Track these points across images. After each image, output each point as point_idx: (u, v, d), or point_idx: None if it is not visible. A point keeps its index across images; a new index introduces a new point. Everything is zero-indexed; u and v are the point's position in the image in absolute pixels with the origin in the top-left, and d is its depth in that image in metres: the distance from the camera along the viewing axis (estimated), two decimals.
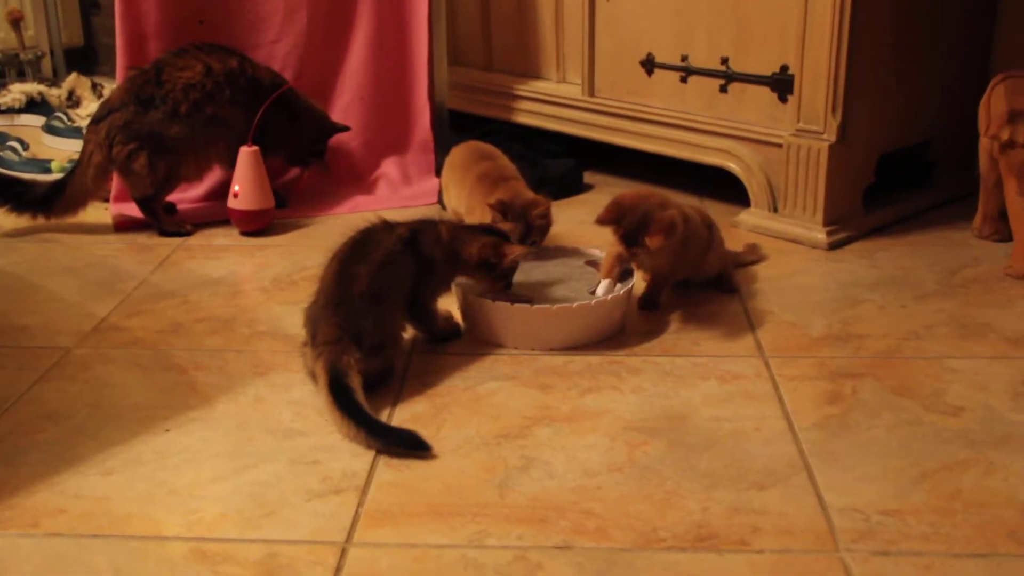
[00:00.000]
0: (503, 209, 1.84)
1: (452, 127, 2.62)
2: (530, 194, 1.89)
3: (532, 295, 1.72)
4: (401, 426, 1.43)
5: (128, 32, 2.35)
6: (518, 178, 1.98)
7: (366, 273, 1.52)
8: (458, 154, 2.10)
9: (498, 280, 1.67)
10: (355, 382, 1.43)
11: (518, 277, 1.76)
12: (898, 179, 2.34)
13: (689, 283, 1.89)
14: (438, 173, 2.41)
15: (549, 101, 2.57)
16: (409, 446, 1.36)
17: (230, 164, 2.27)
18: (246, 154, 2.22)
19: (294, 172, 2.50)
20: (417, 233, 1.61)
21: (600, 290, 1.71)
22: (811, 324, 1.75)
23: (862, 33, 2.03)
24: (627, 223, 1.66)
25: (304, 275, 1.99)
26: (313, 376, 1.50)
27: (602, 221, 1.67)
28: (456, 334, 1.70)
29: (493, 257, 1.63)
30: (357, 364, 1.45)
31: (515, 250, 1.65)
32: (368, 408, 1.41)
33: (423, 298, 1.63)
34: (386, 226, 1.61)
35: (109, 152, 2.19)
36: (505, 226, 1.74)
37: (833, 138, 2.07)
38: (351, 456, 1.37)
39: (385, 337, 1.53)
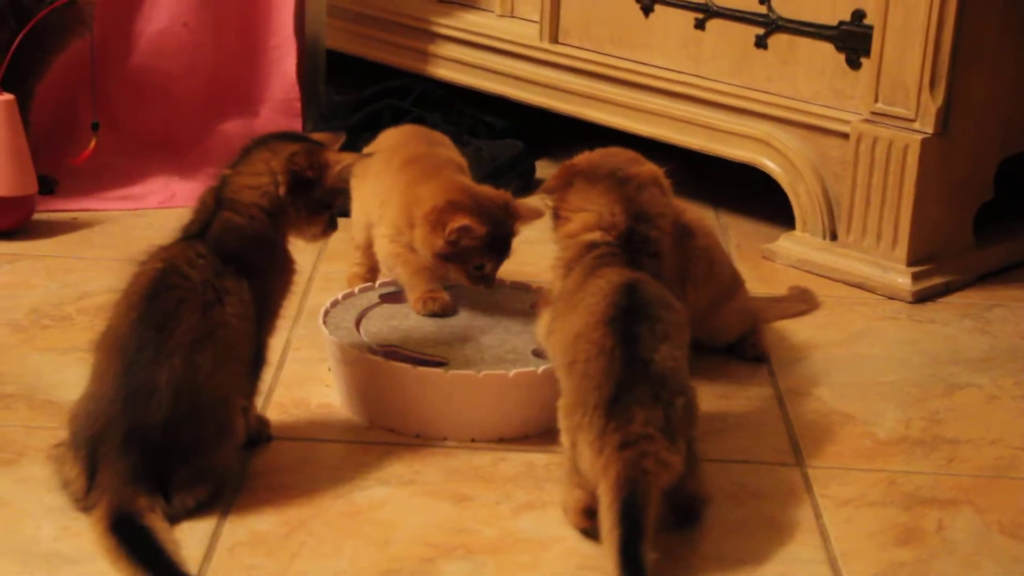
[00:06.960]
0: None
1: (331, 81, 2.70)
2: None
3: (447, 354, 1.79)
4: (233, 550, 1.49)
5: None
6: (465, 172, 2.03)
7: (168, 382, 1.52)
8: (394, 137, 2.12)
9: (319, 213, 1.66)
10: (154, 521, 1.49)
11: (429, 325, 1.83)
12: None
13: (699, 347, 1.97)
14: None
15: (488, 47, 2.66)
16: None
17: None
18: None
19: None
20: (224, 235, 1.60)
21: None
22: (879, 419, 1.84)
23: None
24: None
25: (84, 305, 2.03)
26: (77, 501, 1.54)
27: (549, 189, 1.77)
28: (263, 438, 1.72)
29: (309, 169, 1.63)
30: (163, 509, 1.52)
31: (342, 158, 1.66)
32: (173, 554, 1.45)
33: (265, 336, 1.66)
34: (184, 251, 1.59)
35: None
36: (322, 136, 1.74)
37: (931, 128, 2.17)
38: None
39: (214, 458, 1.58)
